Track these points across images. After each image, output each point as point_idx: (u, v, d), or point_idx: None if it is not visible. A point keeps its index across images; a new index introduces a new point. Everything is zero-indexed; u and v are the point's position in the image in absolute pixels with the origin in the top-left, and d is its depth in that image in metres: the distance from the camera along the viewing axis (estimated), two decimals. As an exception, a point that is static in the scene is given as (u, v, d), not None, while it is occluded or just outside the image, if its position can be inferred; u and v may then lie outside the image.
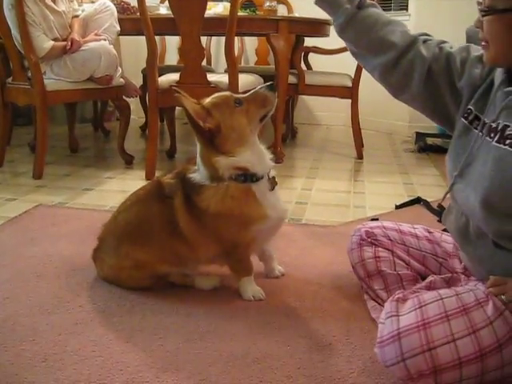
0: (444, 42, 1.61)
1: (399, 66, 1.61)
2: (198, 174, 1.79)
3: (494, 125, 1.41)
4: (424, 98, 1.61)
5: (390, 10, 5.29)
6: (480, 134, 1.45)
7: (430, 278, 1.66)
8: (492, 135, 1.40)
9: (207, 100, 1.77)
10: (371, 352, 1.52)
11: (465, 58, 1.55)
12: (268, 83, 1.84)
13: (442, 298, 1.39)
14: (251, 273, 1.92)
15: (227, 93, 1.83)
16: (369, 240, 1.84)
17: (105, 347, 1.59)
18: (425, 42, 1.61)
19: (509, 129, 1.36)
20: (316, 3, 1.68)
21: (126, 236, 1.90)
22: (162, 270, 1.90)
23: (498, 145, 1.37)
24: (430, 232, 1.87)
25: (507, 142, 1.35)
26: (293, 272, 2.13)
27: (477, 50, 1.54)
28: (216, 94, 1.80)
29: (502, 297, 1.36)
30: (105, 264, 1.96)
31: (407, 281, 1.76)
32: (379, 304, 1.77)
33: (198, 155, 1.80)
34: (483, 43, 1.40)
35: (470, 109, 1.52)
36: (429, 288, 1.61)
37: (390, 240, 1.83)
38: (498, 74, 1.46)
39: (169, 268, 1.91)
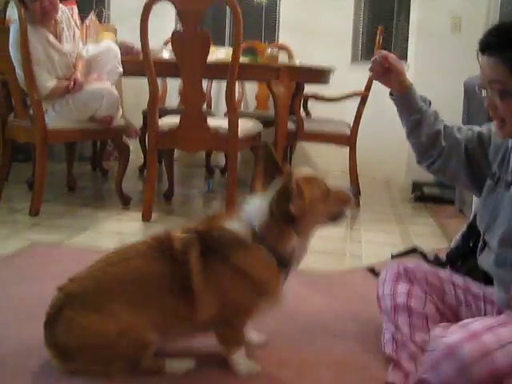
0: (473, 126, 1.86)
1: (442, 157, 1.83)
2: (239, 227, 1.68)
3: (510, 178, 1.59)
4: (466, 173, 1.81)
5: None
6: (503, 190, 1.63)
7: None
8: (509, 187, 1.59)
9: (301, 178, 1.66)
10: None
11: (489, 130, 1.77)
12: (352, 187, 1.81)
13: (482, 318, 1.47)
14: (243, 344, 1.76)
15: (320, 177, 1.72)
16: (407, 277, 1.82)
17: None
18: (459, 128, 1.85)
19: None
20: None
21: (120, 293, 1.65)
22: (148, 339, 1.64)
23: None
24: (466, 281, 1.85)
25: None
26: (287, 320, 2.11)
27: None
28: (310, 175, 1.71)
29: None
30: (76, 325, 1.62)
31: (433, 322, 1.73)
32: (395, 340, 1.73)
33: (257, 212, 1.66)
34: (497, 122, 1.56)
35: (495, 172, 1.69)
36: None
37: (427, 282, 1.80)
38: None
39: (155, 335, 1.65)
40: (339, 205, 1.73)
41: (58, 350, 1.64)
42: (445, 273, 1.88)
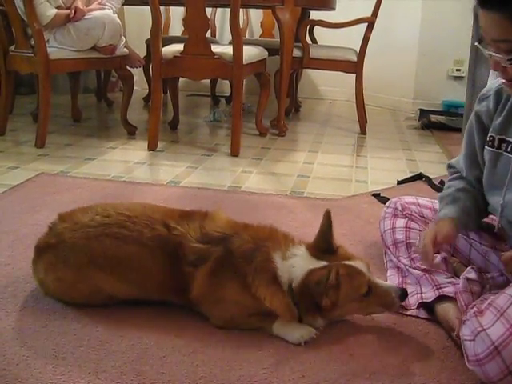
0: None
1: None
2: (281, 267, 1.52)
3: None
4: None
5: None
6: None
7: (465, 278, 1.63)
8: None
9: (344, 272, 1.47)
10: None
11: (478, 115, 1.64)
12: (402, 289, 1.55)
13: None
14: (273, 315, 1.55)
15: (364, 270, 1.52)
16: (404, 213, 1.87)
17: (104, 317, 1.60)
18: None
19: None
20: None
21: (104, 264, 1.59)
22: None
23: None
24: None
25: None
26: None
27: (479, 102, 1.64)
28: (355, 269, 1.50)
29: None
30: (53, 272, 1.62)
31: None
32: (399, 270, 1.81)
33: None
34: (506, 81, 1.39)
35: (491, 136, 1.57)
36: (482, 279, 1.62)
37: (423, 217, 1.85)
38: None
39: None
40: (379, 306, 1.54)
41: (39, 281, 1.68)
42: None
